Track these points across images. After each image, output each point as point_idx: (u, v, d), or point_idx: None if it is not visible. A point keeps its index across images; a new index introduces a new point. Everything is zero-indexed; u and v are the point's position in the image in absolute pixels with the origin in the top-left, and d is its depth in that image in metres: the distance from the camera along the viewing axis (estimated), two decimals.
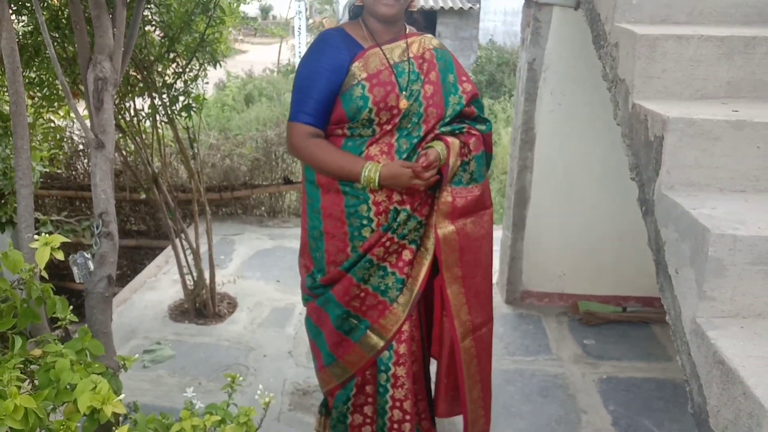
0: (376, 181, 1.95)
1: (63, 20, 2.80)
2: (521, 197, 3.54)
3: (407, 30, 2.08)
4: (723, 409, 1.20)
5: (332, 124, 2.01)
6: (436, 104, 2.02)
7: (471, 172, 2.09)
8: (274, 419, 2.68)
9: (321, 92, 1.97)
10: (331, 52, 1.98)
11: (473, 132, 2.08)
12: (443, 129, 2.04)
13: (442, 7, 12.08)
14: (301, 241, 2.26)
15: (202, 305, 3.58)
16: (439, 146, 2.00)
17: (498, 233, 4.00)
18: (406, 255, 2.07)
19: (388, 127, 1.99)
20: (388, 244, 2.04)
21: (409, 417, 2.15)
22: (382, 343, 2.11)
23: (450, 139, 2.02)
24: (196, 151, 3.54)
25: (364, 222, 2.04)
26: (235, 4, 3.35)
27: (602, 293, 3.63)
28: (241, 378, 1.49)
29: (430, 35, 2.13)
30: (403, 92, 1.97)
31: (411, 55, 2.02)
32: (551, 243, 3.59)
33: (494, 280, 3.93)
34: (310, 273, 2.20)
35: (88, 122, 2.04)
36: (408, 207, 2.02)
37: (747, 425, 1.10)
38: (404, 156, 1.99)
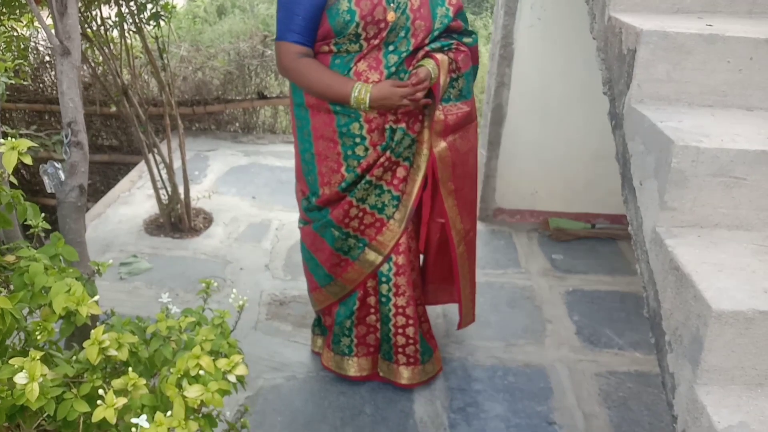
0: (367, 101, 1.95)
1: None
2: (498, 115, 3.54)
3: None
4: (675, 311, 1.27)
5: (318, 40, 1.98)
6: (424, 17, 1.99)
7: (460, 89, 2.09)
8: (252, 328, 2.76)
9: (306, 9, 1.93)
10: None
11: (462, 48, 2.06)
12: (432, 45, 2.01)
13: None
14: (295, 167, 2.27)
15: (177, 220, 3.59)
16: (429, 64, 1.99)
17: None
18: (401, 172, 2.12)
19: (376, 42, 1.96)
20: (386, 163, 2.07)
21: (413, 321, 2.28)
22: (380, 258, 2.20)
23: (440, 56, 2.00)
24: (166, 62, 3.44)
25: (357, 140, 2.05)
26: None
27: (573, 211, 3.70)
28: (215, 284, 1.52)
29: None
30: (390, 5, 1.93)
31: None
32: (525, 161, 3.62)
33: None
34: (305, 197, 2.23)
35: (52, 30, 1.96)
36: (404, 125, 2.03)
37: (695, 325, 1.17)
38: (393, 71, 1.98)
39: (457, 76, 2.06)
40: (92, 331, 1.18)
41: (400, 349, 2.33)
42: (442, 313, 2.86)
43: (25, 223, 1.52)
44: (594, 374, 2.56)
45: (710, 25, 1.58)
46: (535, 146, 3.58)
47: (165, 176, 3.53)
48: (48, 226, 1.55)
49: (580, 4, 2.03)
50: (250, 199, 4.05)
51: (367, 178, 2.08)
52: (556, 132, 3.53)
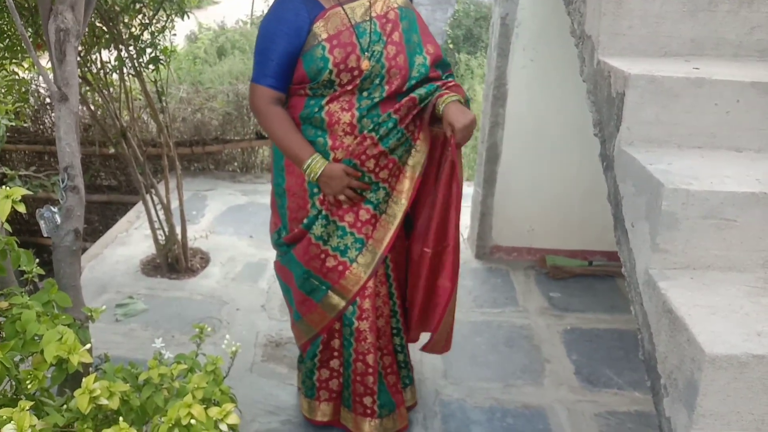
0: (317, 173, 1.97)
1: None
2: (492, 153, 3.57)
3: None
4: (670, 355, 1.26)
5: (294, 83, 2.00)
6: (400, 65, 2.00)
7: None
8: (247, 370, 2.73)
9: (281, 55, 1.95)
10: (290, 14, 1.94)
11: (450, 84, 2.06)
12: (419, 91, 2.00)
13: None
14: (270, 199, 2.27)
15: (174, 260, 3.59)
16: (454, 98, 2.00)
17: (469, 190, 4.05)
18: (363, 215, 2.08)
19: (349, 87, 1.97)
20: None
21: (372, 370, 2.19)
22: (343, 303, 2.14)
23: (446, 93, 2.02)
24: (164, 104, 3.48)
25: None
26: None
27: (569, 248, 3.71)
28: (209, 329, 1.51)
29: None
30: (365, 53, 1.94)
31: (374, 14, 1.98)
32: (521, 199, 3.64)
33: (465, 235, 4.01)
34: (277, 229, 2.23)
35: (51, 75, 2.00)
36: (373, 176, 2.03)
37: (690, 369, 1.16)
38: (364, 113, 1.98)
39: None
40: (84, 379, 1.17)
41: (358, 398, 2.23)
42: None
43: (20, 269, 1.53)
44: (593, 415, 2.52)
45: (697, 69, 1.61)
46: (530, 184, 3.60)
47: (162, 217, 3.54)
48: (42, 272, 1.55)
49: (572, 47, 2.07)
50: (248, 239, 4.06)
51: (323, 212, 2.06)
52: (551, 170, 3.55)
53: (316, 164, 1.97)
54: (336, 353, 2.24)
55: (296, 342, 2.40)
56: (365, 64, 1.94)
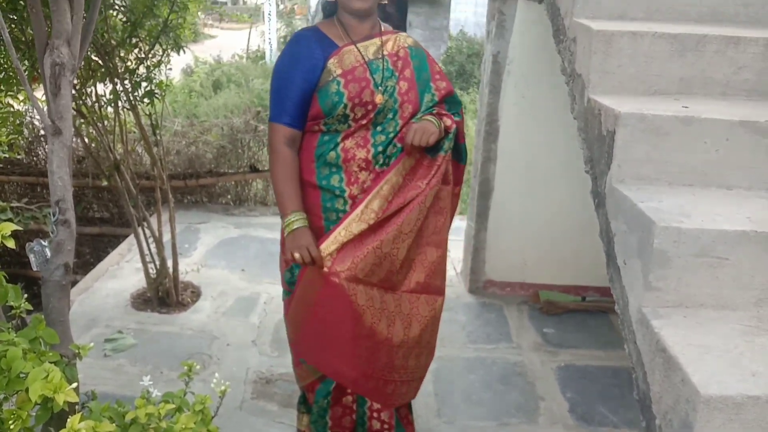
0: (291, 230, 1.99)
1: (21, 2, 2.74)
2: (485, 188, 3.59)
3: (382, 28, 2.09)
4: (664, 395, 1.25)
5: (310, 120, 2.03)
6: (411, 100, 2.05)
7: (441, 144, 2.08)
8: (237, 408, 2.68)
9: (297, 93, 2.00)
10: (305, 53, 2.00)
11: (444, 113, 2.08)
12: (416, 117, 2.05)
13: None
14: (281, 236, 2.23)
15: (165, 294, 3.56)
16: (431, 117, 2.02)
17: (462, 224, 4.06)
18: None
19: (364, 122, 2.00)
20: None
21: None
22: None
23: (431, 116, 2.04)
24: (159, 138, 3.50)
25: (340, 215, 2.05)
26: None
27: (562, 283, 3.70)
28: (198, 367, 1.49)
29: (404, 33, 2.15)
30: (379, 88, 1.99)
31: (386, 52, 2.04)
32: (513, 233, 3.64)
33: (458, 269, 4.00)
34: (289, 268, 2.19)
35: (45, 108, 2.00)
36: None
37: (684, 410, 1.15)
38: (380, 150, 2.01)
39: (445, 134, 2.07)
40: (69, 418, 1.15)
41: None
42: (433, 392, 2.80)
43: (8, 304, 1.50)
44: None
45: (686, 107, 1.63)
46: (523, 218, 3.61)
47: (154, 250, 3.52)
48: (30, 307, 1.53)
49: (563, 84, 2.10)
50: (239, 272, 4.03)
51: None
52: (543, 204, 3.57)
53: (295, 221, 1.99)
54: (349, 390, 2.21)
55: (299, 383, 2.36)
56: (379, 98, 1.99)
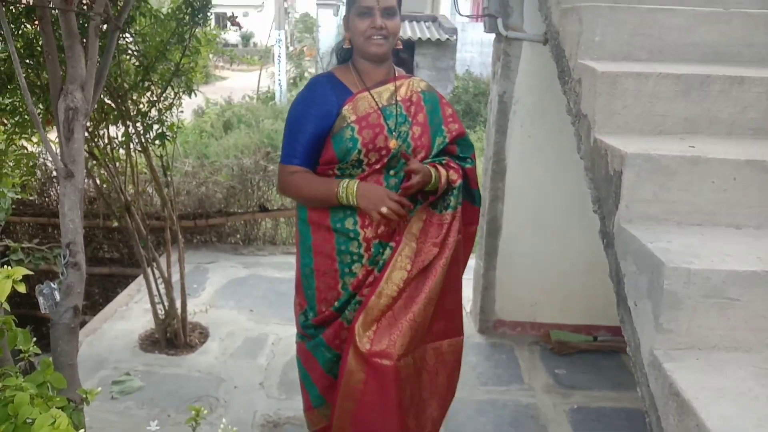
0: (354, 193, 1.95)
1: (38, 47, 2.81)
2: (493, 227, 3.58)
3: (396, 72, 2.12)
4: None
5: (324, 164, 2.04)
6: (424, 145, 2.07)
7: (448, 200, 2.10)
8: None
9: (309, 137, 2.02)
10: (319, 98, 2.04)
11: (452, 165, 2.10)
12: (426, 162, 2.07)
13: (420, 38, 12.26)
14: (295, 280, 2.25)
15: (173, 335, 3.54)
16: (432, 169, 2.03)
17: (471, 262, 4.04)
18: None
19: (377, 166, 2.02)
20: (375, 282, 2.03)
21: None
22: None
23: (439, 167, 2.05)
24: (169, 179, 3.53)
25: (355, 258, 2.06)
26: (211, 36, 3.39)
27: (573, 322, 3.66)
28: (206, 411, 1.47)
29: (418, 78, 2.19)
30: (393, 134, 2.01)
31: (399, 98, 2.06)
32: (523, 272, 3.62)
33: (467, 309, 3.97)
34: (303, 311, 2.19)
35: (58, 150, 2.04)
36: (393, 244, 2.04)
37: None
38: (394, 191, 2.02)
39: (449, 188, 2.09)
40: None
41: None
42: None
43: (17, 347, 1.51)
44: None
45: (693, 147, 1.64)
46: (532, 257, 3.60)
47: (163, 290, 3.52)
48: (39, 351, 1.53)
49: (569, 123, 2.11)
50: (248, 312, 4.02)
51: (358, 297, 2.05)
52: (552, 243, 3.56)
53: (349, 186, 1.97)
54: None
55: (310, 428, 2.33)
56: (393, 143, 2.01)
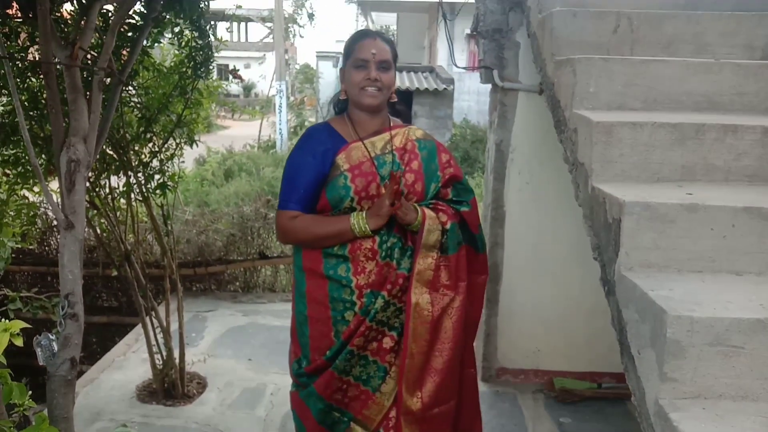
0: (366, 220, 1.97)
1: (42, 100, 2.86)
2: (494, 273, 3.57)
3: (391, 122, 2.15)
4: None
5: (318, 211, 2.06)
6: (417, 192, 2.08)
7: (442, 243, 2.08)
8: None
9: (306, 183, 2.04)
10: (316, 146, 2.07)
11: (440, 207, 2.10)
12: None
13: (417, 88, 12.49)
14: (291, 327, 2.24)
15: (170, 385, 3.49)
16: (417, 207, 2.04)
17: None
18: (387, 342, 2.05)
19: None
20: (367, 332, 2.02)
21: None
22: None
23: (424, 208, 2.06)
24: (170, 227, 3.54)
25: (347, 305, 2.04)
26: (213, 87, 3.45)
27: (577, 369, 3.61)
28: None
29: (415, 127, 2.22)
30: (385, 181, 2.03)
31: (393, 147, 2.09)
32: (525, 319, 3.60)
33: None
34: (297, 359, 2.17)
35: (59, 201, 2.05)
36: (385, 293, 2.01)
37: None
38: (385, 239, 2.02)
39: (443, 231, 2.07)
40: None
41: None
42: None
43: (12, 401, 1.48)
44: None
45: (690, 194, 1.65)
46: (533, 303, 3.58)
47: (161, 340, 3.49)
48: (34, 404, 1.50)
49: (566, 170, 2.13)
50: (246, 361, 3.97)
51: (349, 348, 2.02)
52: (554, 289, 3.54)
53: (359, 217, 1.98)
54: None
55: None
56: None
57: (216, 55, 3.22)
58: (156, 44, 3.14)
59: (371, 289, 2.02)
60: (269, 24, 22.00)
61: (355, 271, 2.03)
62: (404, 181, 2.06)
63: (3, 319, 1.21)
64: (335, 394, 2.06)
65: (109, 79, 2.41)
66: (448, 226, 2.08)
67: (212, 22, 3.19)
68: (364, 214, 1.99)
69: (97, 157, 2.66)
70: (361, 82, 2.02)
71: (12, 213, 3.90)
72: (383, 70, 2.03)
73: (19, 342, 1.16)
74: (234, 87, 24.88)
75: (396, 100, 2.15)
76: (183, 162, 3.51)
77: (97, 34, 2.57)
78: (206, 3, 2.90)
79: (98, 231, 3.62)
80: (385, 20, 26.56)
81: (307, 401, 2.11)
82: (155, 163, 3.32)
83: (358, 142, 2.06)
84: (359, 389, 2.07)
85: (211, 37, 3.12)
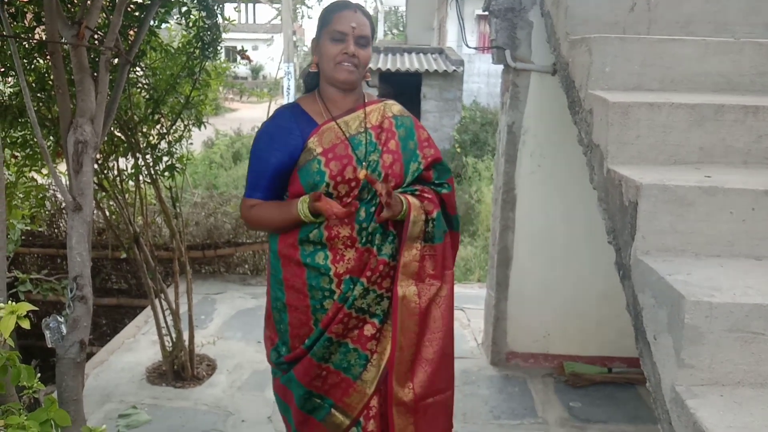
0: (307, 207, 1.87)
1: (49, 81, 2.84)
2: (504, 257, 3.55)
3: (365, 98, 2.04)
4: None
5: (292, 197, 1.97)
6: (396, 173, 1.99)
7: (427, 232, 2.02)
8: None
9: (272, 172, 1.96)
10: (281, 133, 1.96)
11: (426, 195, 2.02)
12: (398, 191, 1.99)
13: (426, 70, 12.37)
14: (265, 312, 2.17)
15: (180, 367, 3.50)
16: (403, 199, 1.95)
17: (482, 292, 3.99)
18: (368, 330, 2.00)
19: (348, 200, 1.93)
20: (345, 320, 1.96)
21: None
22: (348, 422, 2.03)
23: (410, 197, 1.97)
24: (178, 210, 3.53)
25: (326, 294, 1.97)
26: (221, 69, 3.41)
27: (587, 354, 3.59)
28: None
29: (391, 101, 2.11)
30: (362, 164, 1.94)
31: (369, 125, 1.99)
32: (535, 303, 3.57)
33: (479, 340, 3.91)
34: (275, 346, 2.11)
35: (67, 182, 2.03)
36: (364, 280, 1.95)
37: None
38: (364, 226, 1.94)
39: (426, 219, 2.01)
40: None
41: None
42: None
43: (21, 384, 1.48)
44: None
45: (709, 177, 1.61)
46: (544, 287, 3.55)
47: (171, 322, 3.49)
48: (43, 387, 1.50)
49: (579, 152, 2.09)
50: (256, 344, 3.97)
51: (326, 335, 1.96)
52: (565, 273, 3.51)
53: (303, 204, 1.88)
54: None
55: None
56: (362, 174, 1.92)
57: (224, 36, 3.18)
58: (163, 24, 3.10)
59: (350, 275, 1.95)
60: (277, 5, 21.86)
61: (334, 259, 1.95)
62: (381, 163, 1.96)
63: (11, 301, 1.20)
64: (314, 381, 2.01)
65: (116, 60, 2.38)
66: (434, 215, 2.01)
67: (220, 2, 3.14)
68: (307, 203, 1.88)
69: (105, 138, 2.64)
70: (338, 56, 1.89)
71: (21, 195, 3.90)
72: (361, 46, 1.91)
73: (26, 324, 1.15)
74: (242, 69, 24.78)
75: (370, 78, 2.05)
76: (191, 144, 3.49)
77: (103, 14, 2.54)
78: None
79: (107, 213, 3.61)
80: (394, 1, 26.34)
81: (288, 386, 2.08)
82: (163, 144, 3.30)
83: (331, 122, 1.95)
84: (340, 377, 2.01)
85: (219, 17, 3.08)
